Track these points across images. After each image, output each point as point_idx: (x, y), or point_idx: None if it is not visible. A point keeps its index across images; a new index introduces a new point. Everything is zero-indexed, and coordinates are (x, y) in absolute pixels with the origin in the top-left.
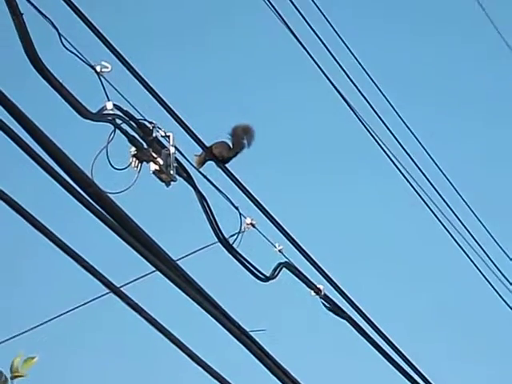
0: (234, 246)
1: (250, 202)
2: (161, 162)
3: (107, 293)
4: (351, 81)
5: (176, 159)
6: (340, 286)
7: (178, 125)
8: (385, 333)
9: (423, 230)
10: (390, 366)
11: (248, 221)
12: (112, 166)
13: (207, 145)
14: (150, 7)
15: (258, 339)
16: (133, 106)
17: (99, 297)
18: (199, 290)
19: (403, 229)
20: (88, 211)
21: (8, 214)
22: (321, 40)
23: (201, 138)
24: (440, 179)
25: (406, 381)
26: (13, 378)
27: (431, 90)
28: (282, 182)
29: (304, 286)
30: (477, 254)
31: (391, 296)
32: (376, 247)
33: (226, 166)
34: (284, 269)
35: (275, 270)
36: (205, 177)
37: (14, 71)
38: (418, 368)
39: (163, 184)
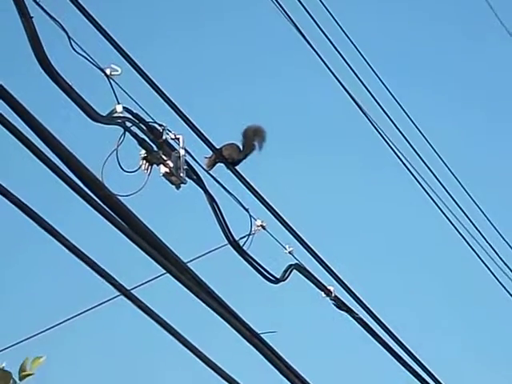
0: (245, 248)
1: (260, 203)
2: (171, 164)
3: (118, 295)
4: (363, 84)
5: (186, 161)
6: (350, 288)
7: (187, 127)
8: (395, 334)
9: (434, 230)
10: (401, 366)
11: (258, 223)
12: (122, 169)
13: (217, 147)
14: (151, 8)
15: (268, 341)
16: (142, 109)
17: (110, 299)
18: (210, 292)
19: (415, 229)
20: (98, 214)
21: (18, 216)
22: (331, 42)
23: (211, 140)
24: (453, 184)
25: (418, 382)
26: (21, 378)
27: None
28: (291, 183)
29: (314, 287)
30: (487, 254)
31: (402, 297)
32: (386, 248)
33: (236, 168)
34: (294, 270)
35: (285, 271)
36: (215, 179)
37: (23, 74)
38: (430, 369)
39: (173, 186)
